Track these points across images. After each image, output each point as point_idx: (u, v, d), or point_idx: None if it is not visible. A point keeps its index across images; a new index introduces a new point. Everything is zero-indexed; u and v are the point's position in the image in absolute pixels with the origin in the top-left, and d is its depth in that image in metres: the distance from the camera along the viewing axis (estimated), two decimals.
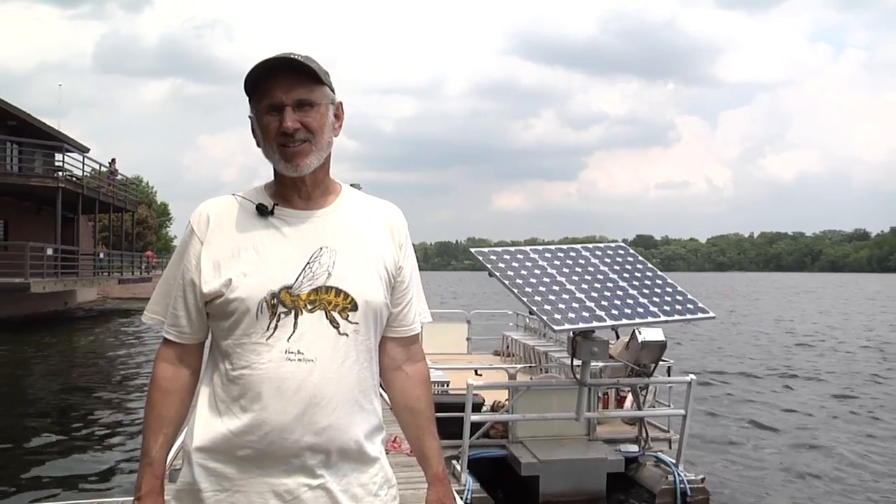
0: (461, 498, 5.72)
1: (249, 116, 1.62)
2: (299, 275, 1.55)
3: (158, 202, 59.74)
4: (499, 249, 7.41)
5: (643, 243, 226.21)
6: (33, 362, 15.71)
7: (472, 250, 7.39)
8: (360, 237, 1.63)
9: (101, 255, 30.91)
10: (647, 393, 7.34)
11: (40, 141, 26.59)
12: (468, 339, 12.28)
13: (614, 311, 6.55)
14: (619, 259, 7.45)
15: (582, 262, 7.25)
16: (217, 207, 1.64)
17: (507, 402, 7.02)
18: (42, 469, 7.72)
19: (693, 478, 6.68)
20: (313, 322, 1.54)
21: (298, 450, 1.52)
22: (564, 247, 7.60)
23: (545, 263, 7.07)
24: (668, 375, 7.51)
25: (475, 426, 6.47)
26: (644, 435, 7.17)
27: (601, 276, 7.06)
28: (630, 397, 7.56)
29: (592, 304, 6.55)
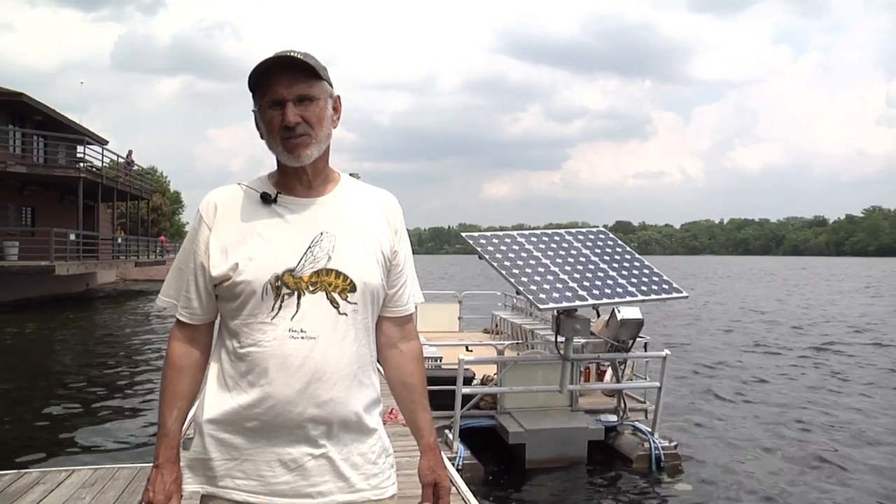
0: (453, 465, 5.74)
1: (253, 111, 1.60)
2: (301, 258, 1.54)
3: (171, 190, 59.31)
4: (488, 234, 7.40)
5: (622, 229, 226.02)
6: (58, 338, 15.68)
7: (464, 235, 7.38)
8: (358, 223, 1.62)
9: (119, 240, 30.79)
10: (625, 367, 7.38)
11: (63, 134, 26.54)
12: (460, 317, 12.31)
13: (595, 291, 6.56)
14: (599, 243, 7.45)
15: (565, 245, 7.25)
16: (224, 196, 1.62)
17: (495, 376, 7.04)
18: (67, 437, 7.75)
19: (667, 444, 6.73)
20: (315, 302, 1.53)
21: (302, 421, 1.52)
22: (549, 231, 7.59)
23: (531, 247, 7.07)
24: (645, 351, 7.54)
25: (466, 398, 6.49)
26: (622, 406, 7.21)
27: (583, 259, 7.06)
28: (610, 371, 7.59)
29: (575, 285, 6.56)
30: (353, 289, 1.56)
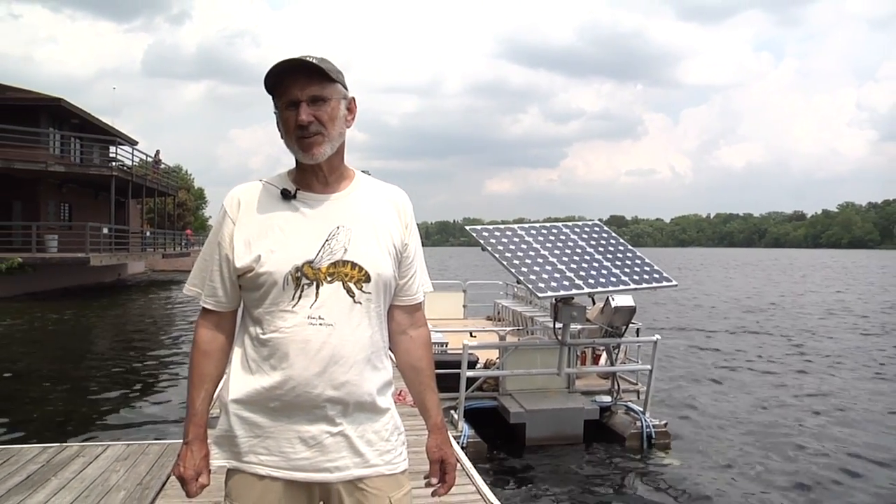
0: (458, 443, 5.75)
1: (274, 112, 1.60)
2: (319, 250, 1.54)
3: (196, 187, 59.25)
4: (490, 227, 7.38)
5: (615, 222, 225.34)
6: (94, 324, 15.76)
7: (468, 228, 7.36)
8: (371, 217, 1.62)
9: (148, 233, 30.85)
10: (618, 351, 7.37)
11: (97, 136, 26.70)
12: (464, 305, 12.32)
13: (591, 281, 6.54)
14: (595, 235, 7.43)
15: (563, 238, 7.23)
16: (247, 192, 1.62)
17: (497, 360, 7.04)
18: (104, 414, 7.80)
19: (657, 423, 6.73)
20: (332, 292, 1.53)
21: (321, 402, 1.52)
22: (548, 225, 7.57)
23: (531, 239, 7.05)
24: (637, 336, 7.52)
25: (470, 381, 6.50)
26: (616, 387, 7.21)
27: (579, 251, 7.04)
28: (604, 355, 7.58)
29: (572, 275, 6.55)
30: (368, 279, 1.56)
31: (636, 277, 6.78)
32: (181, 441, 1.62)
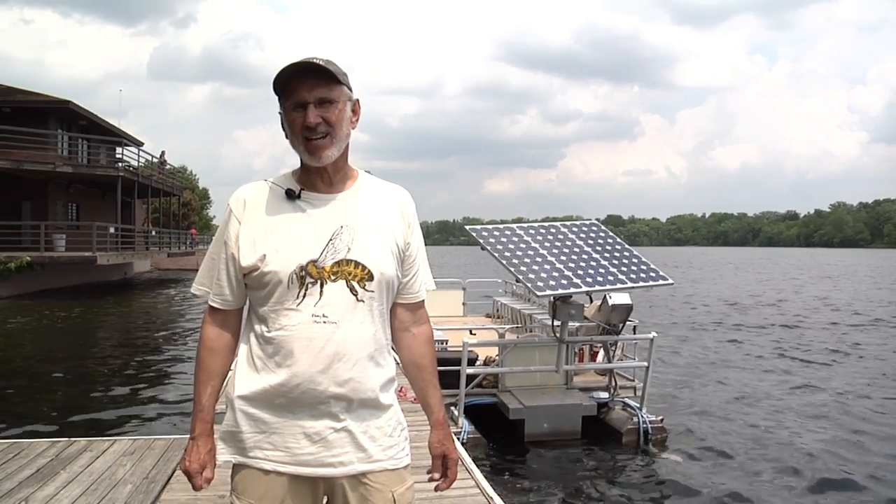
0: (458, 438, 5.76)
1: (279, 112, 1.59)
2: (323, 250, 1.54)
3: (200, 187, 59.18)
4: (490, 227, 7.38)
5: (612, 222, 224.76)
6: (101, 321, 15.75)
7: (467, 228, 7.36)
8: (375, 217, 1.61)
9: (153, 233, 30.82)
10: (616, 348, 7.36)
11: (104, 137, 26.63)
12: (464, 303, 12.30)
13: (588, 279, 6.54)
14: (592, 235, 7.42)
15: (561, 237, 7.22)
16: (252, 192, 1.62)
17: (497, 357, 7.03)
18: (111, 409, 7.79)
19: (654, 419, 6.72)
20: (336, 290, 1.53)
21: (325, 398, 1.52)
22: (546, 224, 7.56)
23: (529, 238, 7.05)
24: (634, 333, 7.51)
25: (470, 377, 6.49)
26: (613, 384, 7.20)
27: (577, 250, 7.04)
28: (602, 352, 7.57)
29: (570, 273, 6.54)
30: (371, 278, 1.56)
31: (633, 276, 6.78)
32: (187, 436, 1.62)
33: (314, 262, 1.52)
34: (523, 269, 6.46)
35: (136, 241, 26.49)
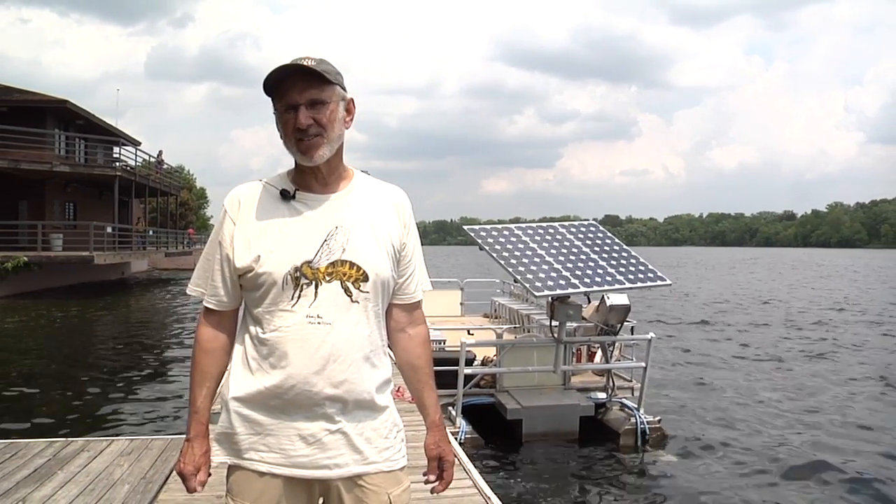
0: (456, 439, 5.75)
1: (274, 113, 1.58)
2: (318, 250, 1.53)
3: (197, 187, 58.98)
4: (488, 227, 7.37)
5: (610, 222, 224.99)
6: (98, 321, 15.73)
7: (465, 228, 7.35)
8: (370, 217, 1.60)
9: (151, 232, 30.78)
10: (613, 349, 7.35)
11: (102, 137, 26.67)
12: (462, 303, 12.28)
13: (586, 280, 6.53)
14: (590, 235, 7.42)
15: (559, 237, 7.22)
16: (247, 192, 1.61)
17: (495, 357, 7.03)
18: (108, 409, 7.78)
19: (652, 419, 6.72)
20: (331, 291, 1.52)
21: (320, 400, 1.51)
22: (544, 224, 7.55)
23: (527, 238, 7.04)
24: (632, 334, 7.51)
25: (468, 378, 6.48)
26: (611, 384, 7.19)
27: (575, 250, 7.03)
28: (599, 352, 7.57)
29: (568, 274, 6.54)
30: (366, 279, 1.55)
31: (631, 276, 6.77)
32: (183, 437, 1.62)
33: (309, 262, 1.52)
34: (521, 269, 6.46)
35: (133, 240, 26.46)
